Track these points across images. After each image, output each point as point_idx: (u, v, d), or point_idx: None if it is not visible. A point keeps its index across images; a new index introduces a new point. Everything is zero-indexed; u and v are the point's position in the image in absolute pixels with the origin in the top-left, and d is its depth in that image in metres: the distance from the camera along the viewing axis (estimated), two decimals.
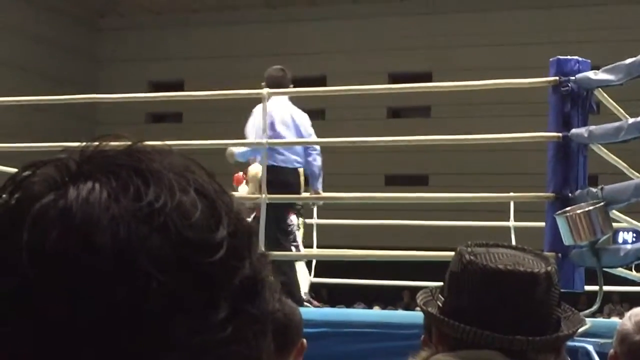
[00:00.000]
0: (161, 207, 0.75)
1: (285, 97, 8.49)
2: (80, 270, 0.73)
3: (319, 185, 8.45)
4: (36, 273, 0.74)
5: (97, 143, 0.81)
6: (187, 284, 0.74)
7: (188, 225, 0.75)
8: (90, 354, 0.73)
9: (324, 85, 21.93)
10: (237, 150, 8.68)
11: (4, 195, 0.78)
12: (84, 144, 0.81)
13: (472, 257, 1.88)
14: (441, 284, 1.95)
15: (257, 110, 8.20)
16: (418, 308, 1.97)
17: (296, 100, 8.97)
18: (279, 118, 8.31)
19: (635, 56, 6.12)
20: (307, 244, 10.79)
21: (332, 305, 12.37)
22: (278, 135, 8.21)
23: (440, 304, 1.90)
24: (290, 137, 8.29)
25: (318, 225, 10.88)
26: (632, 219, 7.72)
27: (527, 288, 1.85)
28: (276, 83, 8.33)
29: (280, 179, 8.02)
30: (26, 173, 0.79)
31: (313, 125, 8.66)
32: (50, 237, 0.74)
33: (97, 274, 0.73)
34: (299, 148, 8.38)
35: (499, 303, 1.83)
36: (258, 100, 7.98)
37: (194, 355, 0.75)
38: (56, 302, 0.73)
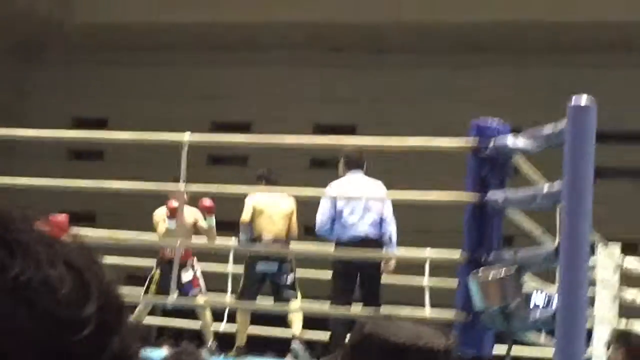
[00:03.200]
0: (27, 281, 0.72)
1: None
2: None
3: None
4: None
5: None
6: None
7: (55, 301, 0.73)
8: None
9: (249, 131, 21.93)
10: None
11: None
12: None
13: (372, 330, 1.86)
14: (341, 352, 1.93)
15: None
16: None
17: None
18: None
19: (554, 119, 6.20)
20: (222, 290, 10.73)
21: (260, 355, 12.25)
22: None
23: None
24: None
25: (233, 273, 10.84)
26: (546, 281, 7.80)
27: None
28: (357, 164, 8.50)
29: None
30: None
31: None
32: None
33: None
34: None
35: None
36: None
37: None
38: None
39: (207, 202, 9.33)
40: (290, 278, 9.28)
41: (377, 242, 8.35)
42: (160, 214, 9.48)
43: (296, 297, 9.31)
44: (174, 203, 8.83)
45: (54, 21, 25.36)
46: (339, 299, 8.09)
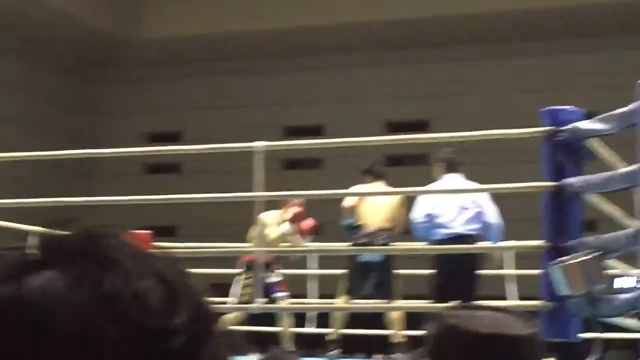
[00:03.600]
0: (118, 295, 0.75)
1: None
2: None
3: None
4: None
5: (58, 228, 0.81)
6: None
7: (146, 313, 0.75)
8: None
9: (321, 134, 21.98)
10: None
11: None
12: (46, 228, 0.82)
13: (454, 321, 1.87)
14: (424, 346, 1.95)
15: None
16: None
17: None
18: None
19: (629, 102, 6.14)
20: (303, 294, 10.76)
21: (351, 355, 12.25)
22: None
23: None
24: None
25: (320, 275, 10.86)
26: (630, 265, 7.70)
27: (510, 351, 1.84)
28: (454, 165, 8.72)
29: None
30: None
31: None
32: (7, 329, 0.74)
33: None
34: None
35: None
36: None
37: None
38: None
39: (309, 222, 9.32)
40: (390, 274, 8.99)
41: (472, 238, 8.44)
42: (271, 218, 9.34)
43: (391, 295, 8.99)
44: (297, 208, 8.94)
45: (119, 38, 25.64)
46: (442, 296, 8.03)
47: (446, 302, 7.93)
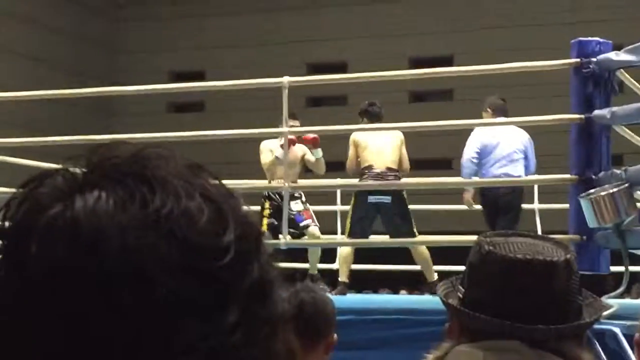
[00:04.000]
0: (167, 213, 0.76)
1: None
2: (89, 279, 0.74)
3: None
4: (44, 285, 0.74)
5: (103, 150, 0.81)
6: (196, 289, 0.75)
7: (195, 231, 0.76)
8: None
9: (345, 71, 21.90)
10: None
11: (12, 208, 0.79)
12: (90, 151, 0.82)
13: (490, 248, 1.88)
14: (462, 273, 1.95)
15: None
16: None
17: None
18: None
19: None
20: (331, 231, 10.80)
21: (358, 291, 12.36)
22: None
23: (461, 295, 1.90)
24: None
25: (341, 211, 10.87)
26: None
27: (546, 277, 1.84)
28: (503, 110, 9.12)
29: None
30: (33, 184, 0.79)
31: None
32: (58, 248, 0.74)
33: (105, 283, 0.74)
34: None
35: (518, 293, 1.83)
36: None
37: (205, 359, 0.76)
38: (65, 312, 0.74)
39: (310, 135, 9.12)
40: (403, 212, 8.95)
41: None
42: (267, 145, 9.24)
43: (413, 233, 8.97)
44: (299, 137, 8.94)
45: None
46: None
47: None
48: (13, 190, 0.80)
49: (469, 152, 8.92)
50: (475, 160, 8.87)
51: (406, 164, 9.29)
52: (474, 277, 1.89)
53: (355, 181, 9.23)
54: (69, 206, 0.76)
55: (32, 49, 24.09)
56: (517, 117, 9.02)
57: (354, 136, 9.21)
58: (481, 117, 9.37)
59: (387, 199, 8.90)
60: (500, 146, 8.84)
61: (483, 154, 8.85)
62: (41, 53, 24.31)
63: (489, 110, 9.10)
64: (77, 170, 0.80)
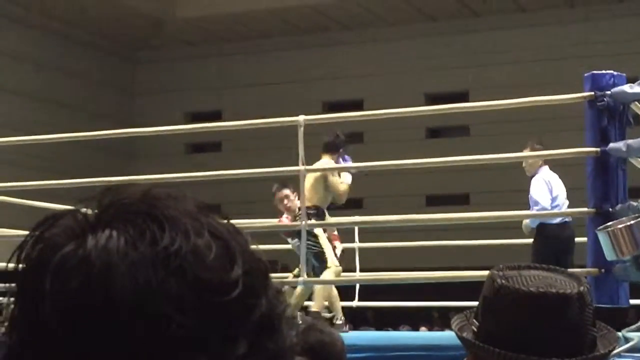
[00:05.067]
0: (176, 250, 0.78)
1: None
2: (101, 315, 0.75)
3: None
4: (58, 321, 0.76)
5: (113, 191, 0.83)
6: (206, 323, 0.77)
7: (203, 267, 0.78)
8: None
9: (361, 108, 21.96)
10: (528, 220, 9.45)
11: (27, 247, 0.81)
12: (101, 193, 0.84)
13: (503, 281, 1.88)
14: (475, 307, 1.96)
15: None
16: None
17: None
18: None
19: None
20: (349, 268, 10.79)
21: (378, 328, 12.33)
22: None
23: (475, 329, 1.90)
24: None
25: (360, 248, 10.87)
26: None
27: (559, 309, 1.85)
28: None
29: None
30: (46, 225, 0.82)
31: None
32: (71, 286, 0.76)
33: (117, 319, 0.75)
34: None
35: (532, 326, 1.83)
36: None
37: None
38: (78, 346, 0.76)
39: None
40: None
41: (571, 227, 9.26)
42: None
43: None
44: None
45: (156, 18, 25.71)
46: None
47: None
48: (21, 232, 0.83)
49: (543, 194, 9.26)
50: (550, 201, 9.30)
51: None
52: (488, 310, 1.90)
53: (373, 218, 9.25)
54: (81, 245, 0.78)
55: (49, 92, 24.29)
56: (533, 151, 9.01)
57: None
58: (498, 152, 9.39)
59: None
60: (563, 192, 9.40)
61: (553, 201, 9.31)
62: (58, 96, 24.49)
63: (537, 147, 9.29)
64: (89, 211, 0.82)
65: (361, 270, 10.84)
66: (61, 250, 0.78)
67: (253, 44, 26.14)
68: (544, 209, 9.18)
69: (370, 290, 10.47)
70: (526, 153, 9.18)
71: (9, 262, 0.83)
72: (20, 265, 0.81)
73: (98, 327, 0.75)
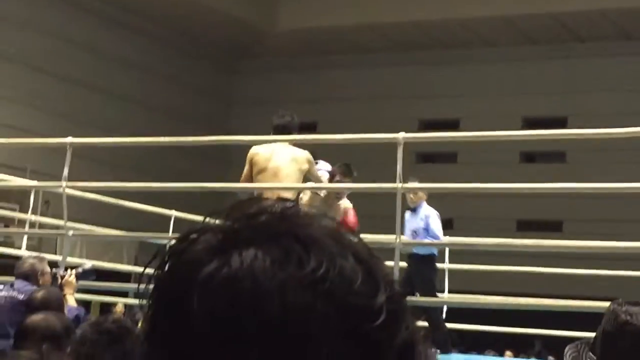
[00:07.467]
0: (324, 274, 0.77)
1: None
2: (250, 336, 0.75)
3: None
4: (207, 338, 0.77)
5: (244, 206, 0.83)
6: (354, 350, 0.76)
7: (351, 292, 0.77)
8: None
9: (457, 129, 21.83)
10: None
11: (170, 261, 0.81)
12: (231, 207, 0.84)
13: (627, 318, 1.85)
14: (587, 339, 1.93)
15: None
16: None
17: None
18: None
19: None
20: (439, 289, 10.71)
21: (464, 352, 12.22)
22: None
23: None
24: None
25: (449, 270, 10.78)
26: None
27: None
28: None
29: None
30: (189, 239, 0.81)
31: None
32: (219, 305, 0.76)
33: (266, 340, 0.75)
34: None
35: None
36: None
37: None
38: None
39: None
40: None
41: None
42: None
43: None
44: None
45: (258, 29, 25.91)
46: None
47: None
48: (117, 232, 0.83)
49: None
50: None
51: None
52: (609, 346, 1.87)
53: (465, 240, 9.20)
54: (225, 263, 0.78)
55: (148, 98, 24.67)
56: (633, 182, 8.86)
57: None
58: (593, 181, 9.27)
59: None
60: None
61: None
62: (157, 102, 24.85)
63: None
64: (228, 227, 0.81)
65: (450, 292, 10.76)
66: (205, 267, 0.78)
67: (351, 58, 26.17)
68: None
69: (457, 313, 10.38)
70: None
71: (145, 269, 0.84)
72: (160, 277, 0.81)
73: (247, 347, 0.75)
